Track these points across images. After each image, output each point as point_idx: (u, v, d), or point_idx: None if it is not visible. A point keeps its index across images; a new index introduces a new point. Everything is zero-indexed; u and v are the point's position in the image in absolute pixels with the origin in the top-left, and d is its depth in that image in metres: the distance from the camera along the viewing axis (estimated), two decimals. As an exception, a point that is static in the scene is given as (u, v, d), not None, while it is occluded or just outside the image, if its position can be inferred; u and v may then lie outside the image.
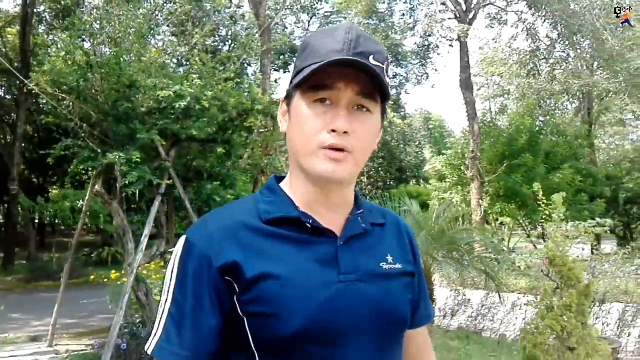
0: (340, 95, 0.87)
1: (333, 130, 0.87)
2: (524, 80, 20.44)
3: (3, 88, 20.87)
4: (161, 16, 22.38)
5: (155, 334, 0.87)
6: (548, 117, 17.53)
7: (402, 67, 27.08)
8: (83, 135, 7.52)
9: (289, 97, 0.94)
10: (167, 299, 0.87)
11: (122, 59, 6.87)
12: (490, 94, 26.66)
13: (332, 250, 0.89)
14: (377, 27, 20.64)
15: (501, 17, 18.25)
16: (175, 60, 18.37)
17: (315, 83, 0.87)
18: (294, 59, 0.90)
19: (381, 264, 0.95)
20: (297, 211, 0.91)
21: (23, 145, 19.26)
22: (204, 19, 21.03)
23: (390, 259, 0.97)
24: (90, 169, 7.25)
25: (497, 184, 15.24)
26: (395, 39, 22.17)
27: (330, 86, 0.86)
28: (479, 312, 7.77)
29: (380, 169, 34.77)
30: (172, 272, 0.88)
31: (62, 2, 20.75)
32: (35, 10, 19.54)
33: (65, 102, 7.38)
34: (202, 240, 0.87)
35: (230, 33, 23.02)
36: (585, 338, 4.32)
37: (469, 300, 7.93)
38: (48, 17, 21.52)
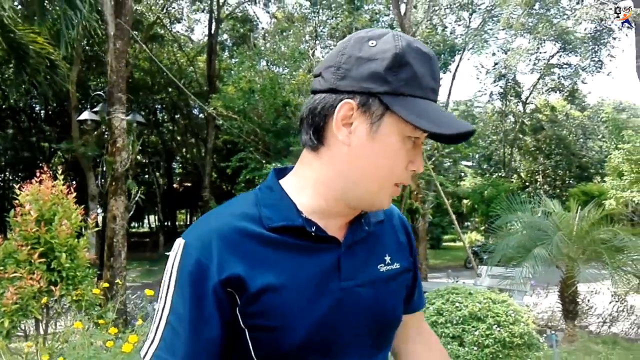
0: (423, 135, 0.86)
1: (412, 169, 0.88)
2: None
3: (196, 109, 24.34)
4: (324, 31, 24.00)
5: (152, 341, 0.84)
6: None
7: (575, 55, 24.95)
8: (251, 149, 8.82)
9: (367, 109, 0.83)
10: (164, 306, 0.84)
11: (277, 83, 7.95)
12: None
13: (335, 257, 0.89)
14: (542, 17, 19.40)
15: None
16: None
17: None
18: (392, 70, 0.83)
19: (379, 266, 0.95)
20: (301, 218, 0.87)
21: (214, 157, 22.25)
22: (363, 29, 21.91)
23: (387, 259, 0.97)
24: (256, 177, 8.47)
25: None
26: (564, 26, 20.61)
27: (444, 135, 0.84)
28: (643, 320, 7.21)
29: (558, 166, 32.16)
30: (170, 277, 0.85)
31: (241, 30, 23.47)
32: (218, 39, 22.49)
33: (236, 122, 8.75)
34: (201, 247, 0.84)
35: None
36: None
37: (632, 306, 7.38)
38: (230, 43, 24.46)
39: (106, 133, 8.86)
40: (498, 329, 3.86)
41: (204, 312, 0.82)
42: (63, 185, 4.22)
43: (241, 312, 0.83)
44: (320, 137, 0.88)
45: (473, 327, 3.90)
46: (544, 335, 4.37)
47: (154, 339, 0.84)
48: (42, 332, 3.85)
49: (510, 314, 3.97)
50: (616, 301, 7.44)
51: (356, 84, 0.83)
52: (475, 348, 3.77)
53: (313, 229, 0.87)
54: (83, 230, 4.31)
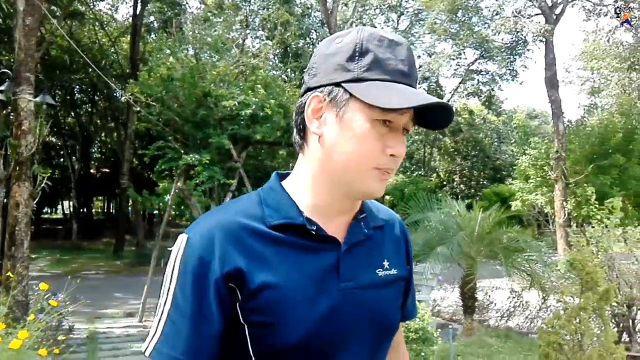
0: (400, 119, 0.86)
1: (392, 155, 0.87)
2: (623, 75, 19.19)
3: (117, 91, 23.31)
4: (255, 21, 23.73)
5: (153, 335, 0.85)
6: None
7: (493, 63, 26.36)
8: (170, 138, 8.59)
9: (333, 98, 0.87)
10: (166, 300, 0.85)
11: (197, 72, 7.79)
12: (594, 88, 25.20)
13: (334, 257, 0.89)
14: (463, 24, 20.29)
15: (599, 10, 17.29)
16: (270, 64, 19.47)
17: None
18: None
19: (377, 271, 0.95)
20: (302, 217, 0.89)
21: (136, 142, 21.42)
22: (295, 23, 21.95)
23: (386, 264, 0.97)
24: (173, 167, 8.27)
25: (584, 186, 14.62)
26: (484, 34, 21.70)
27: (398, 110, 0.85)
28: (536, 315, 7.78)
29: (473, 167, 33.88)
30: (173, 272, 0.85)
31: (168, 13, 22.71)
32: (144, 21, 21.64)
33: (154, 109, 8.49)
34: (204, 242, 0.84)
35: (319, 35, 23.83)
36: (600, 340, 4.42)
37: (527, 302, 7.94)
38: (156, 26, 23.59)
39: (12, 114, 8.32)
40: (395, 324, 4.05)
41: (205, 308, 0.83)
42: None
43: (241, 308, 0.84)
44: (302, 135, 0.93)
45: (372, 322, 4.05)
46: (438, 330, 4.64)
47: (155, 333, 0.84)
48: None
49: (408, 310, 4.17)
50: (513, 297, 7.97)
51: (324, 78, 0.88)
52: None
53: (314, 228, 0.88)
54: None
